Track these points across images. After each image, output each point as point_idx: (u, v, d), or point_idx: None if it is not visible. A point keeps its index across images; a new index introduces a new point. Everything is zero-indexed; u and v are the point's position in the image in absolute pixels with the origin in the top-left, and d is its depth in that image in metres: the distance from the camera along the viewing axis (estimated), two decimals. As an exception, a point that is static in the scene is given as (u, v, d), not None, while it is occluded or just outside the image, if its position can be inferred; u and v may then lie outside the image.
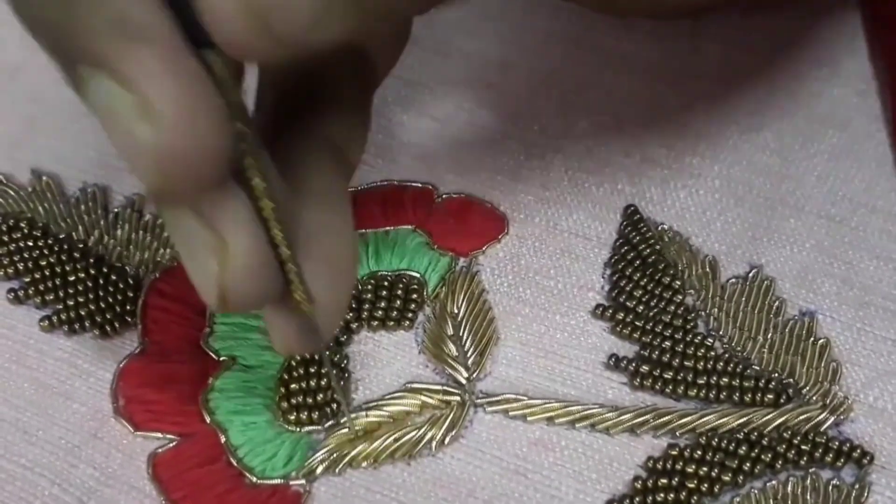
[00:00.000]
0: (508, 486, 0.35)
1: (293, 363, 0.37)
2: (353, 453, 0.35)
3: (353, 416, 0.36)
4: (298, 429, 0.36)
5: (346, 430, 0.36)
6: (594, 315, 0.38)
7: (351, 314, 0.38)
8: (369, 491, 0.35)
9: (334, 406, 0.36)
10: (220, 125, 0.26)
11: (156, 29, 0.26)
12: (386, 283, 0.38)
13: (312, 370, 0.37)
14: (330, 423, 0.36)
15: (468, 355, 0.37)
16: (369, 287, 0.38)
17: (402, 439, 0.35)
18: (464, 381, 0.37)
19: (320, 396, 0.36)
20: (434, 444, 0.35)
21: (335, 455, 0.35)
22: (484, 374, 0.37)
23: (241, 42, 0.26)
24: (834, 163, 0.41)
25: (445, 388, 0.36)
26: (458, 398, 0.36)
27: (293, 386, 0.36)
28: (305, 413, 0.36)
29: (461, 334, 0.37)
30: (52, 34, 0.28)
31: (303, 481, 0.35)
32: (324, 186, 0.33)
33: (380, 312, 0.38)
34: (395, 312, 0.38)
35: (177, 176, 0.26)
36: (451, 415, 0.36)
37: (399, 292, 0.38)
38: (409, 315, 0.38)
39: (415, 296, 0.38)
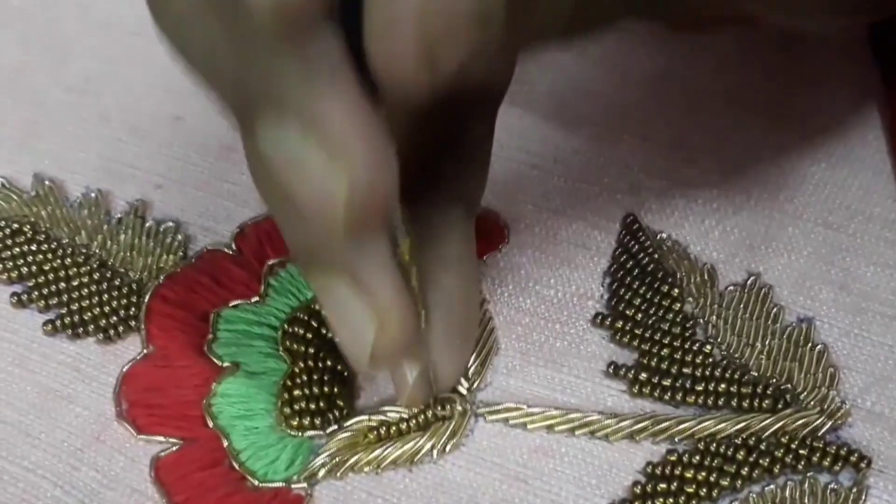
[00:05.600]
0: (509, 491, 0.35)
1: (296, 370, 0.37)
2: (354, 459, 0.35)
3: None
4: (300, 433, 0.36)
5: (348, 433, 0.36)
6: (594, 323, 0.38)
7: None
8: (371, 496, 0.35)
9: (336, 412, 0.36)
10: (394, 170, 0.28)
11: (343, 77, 0.27)
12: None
13: (315, 377, 0.37)
14: (332, 428, 0.36)
15: (469, 365, 0.37)
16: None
17: (403, 448, 0.35)
18: (464, 392, 0.37)
19: (322, 402, 0.36)
20: (435, 452, 0.35)
21: (337, 459, 0.35)
22: (484, 385, 0.37)
23: (409, 77, 0.26)
24: (831, 171, 0.41)
25: (446, 397, 0.36)
26: (458, 408, 0.36)
27: (296, 392, 0.36)
28: (308, 418, 0.36)
29: (462, 346, 0.37)
30: (230, 82, 0.28)
31: (304, 485, 0.35)
32: (458, 249, 0.35)
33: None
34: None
35: (362, 218, 0.28)
36: (452, 424, 0.36)
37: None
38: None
39: (415, 305, 0.39)
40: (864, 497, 0.34)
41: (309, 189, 0.27)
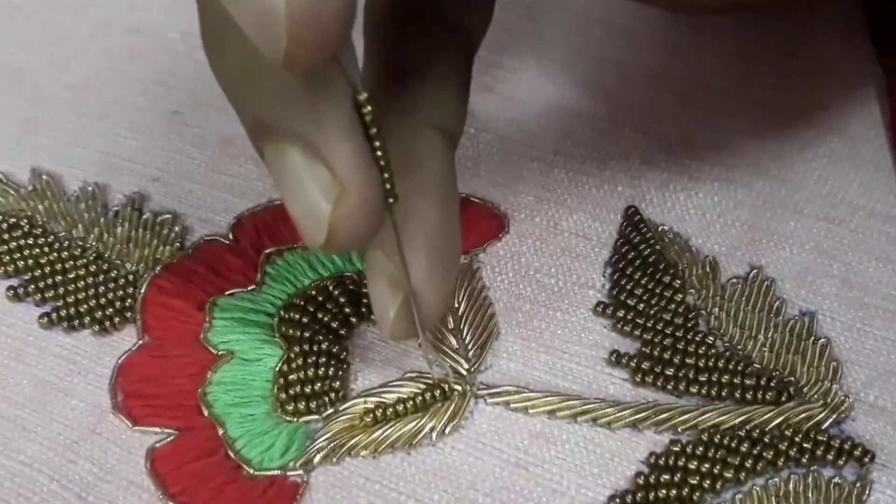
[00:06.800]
0: (510, 478, 0.34)
1: (292, 355, 0.37)
2: (352, 442, 0.35)
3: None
4: (296, 419, 0.36)
5: (345, 416, 0.36)
6: (595, 312, 0.38)
7: (351, 308, 0.38)
8: (368, 481, 0.35)
9: (332, 395, 0.36)
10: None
11: None
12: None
13: (311, 360, 0.36)
14: (328, 412, 0.36)
15: (469, 348, 0.37)
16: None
17: (402, 429, 0.35)
18: (464, 373, 0.36)
19: (318, 385, 0.36)
20: (434, 434, 0.35)
21: (334, 444, 0.35)
22: (485, 367, 0.37)
23: None
24: (833, 166, 0.42)
25: (446, 377, 0.36)
26: (458, 388, 0.36)
27: (292, 376, 0.36)
28: (303, 403, 0.36)
29: (461, 328, 0.37)
30: None
31: (300, 472, 0.35)
32: (437, 177, 0.34)
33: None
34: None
35: (307, 41, 0.25)
36: (452, 405, 0.36)
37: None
38: (409, 309, 0.38)
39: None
40: (867, 491, 0.34)
41: (250, 8, 0.25)
